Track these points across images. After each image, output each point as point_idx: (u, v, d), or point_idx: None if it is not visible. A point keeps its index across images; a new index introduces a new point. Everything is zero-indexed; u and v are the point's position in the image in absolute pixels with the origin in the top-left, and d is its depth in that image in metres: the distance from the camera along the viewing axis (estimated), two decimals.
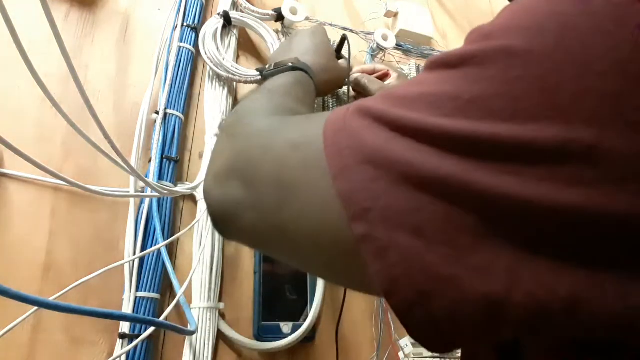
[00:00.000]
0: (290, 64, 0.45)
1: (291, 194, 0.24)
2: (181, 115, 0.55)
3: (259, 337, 0.50)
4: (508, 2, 0.42)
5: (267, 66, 0.48)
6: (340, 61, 0.57)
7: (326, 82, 0.51)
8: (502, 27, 0.19)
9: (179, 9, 0.60)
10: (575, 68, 0.16)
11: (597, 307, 0.16)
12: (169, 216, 0.50)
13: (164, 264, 0.47)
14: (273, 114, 0.32)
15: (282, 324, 0.51)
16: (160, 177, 0.50)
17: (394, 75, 0.60)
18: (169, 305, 0.43)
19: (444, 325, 0.18)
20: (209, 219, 0.50)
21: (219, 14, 0.60)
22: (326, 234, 0.22)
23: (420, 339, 0.20)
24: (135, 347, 0.42)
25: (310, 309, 0.52)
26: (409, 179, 0.19)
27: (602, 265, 0.16)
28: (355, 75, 0.60)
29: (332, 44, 0.58)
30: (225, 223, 0.30)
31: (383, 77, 0.61)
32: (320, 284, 0.54)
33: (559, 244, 0.16)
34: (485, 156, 0.17)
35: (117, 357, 0.41)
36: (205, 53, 0.57)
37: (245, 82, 0.58)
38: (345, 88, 0.66)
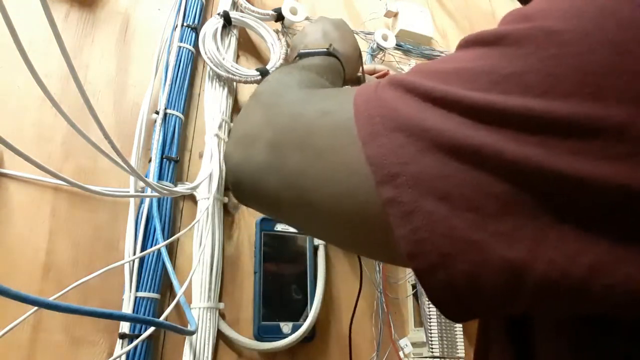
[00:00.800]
0: (326, 49, 0.46)
1: (317, 158, 0.25)
2: (181, 115, 0.55)
3: (259, 337, 0.50)
4: (510, 2, 0.42)
5: (299, 48, 0.48)
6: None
7: (353, 70, 0.52)
8: (540, 9, 0.20)
9: (179, 9, 0.60)
10: (612, 49, 0.17)
11: (616, 280, 0.16)
12: (169, 216, 0.50)
13: (164, 264, 0.47)
14: (306, 87, 0.33)
15: (282, 324, 0.51)
16: (160, 177, 0.50)
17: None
18: (169, 305, 0.43)
19: (464, 289, 0.19)
20: (209, 219, 0.51)
21: (219, 14, 0.60)
22: (351, 198, 0.23)
23: (440, 304, 0.20)
24: (135, 347, 0.42)
25: (310, 309, 0.52)
26: (440, 146, 0.20)
27: (625, 240, 0.16)
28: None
29: None
30: (245, 187, 0.31)
31: (383, 77, 0.61)
32: (320, 284, 0.54)
33: (585, 215, 0.17)
34: (518, 128, 0.18)
35: (117, 357, 0.41)
36: (205, 53, 0.57)
37: (245, 82, 0.58)
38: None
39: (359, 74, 0.58)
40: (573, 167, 0.17)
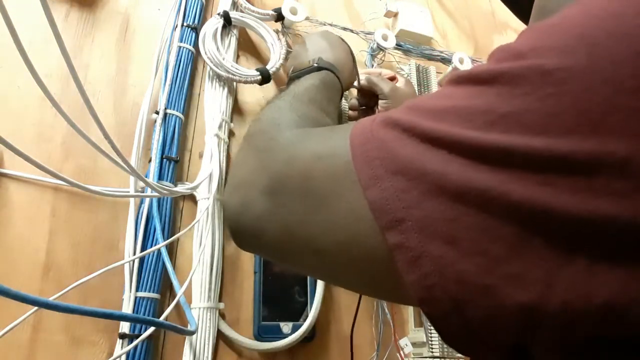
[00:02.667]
0: (316, 65, 0.45)
1: (319, 204, 0.25)
2: (181, 115, 0.55)
3: (259, 337, 0.50)
4: (504, 6, 0.42)
5: (290, 71, 0.49)
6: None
7: (350, 75, 0.51)
8: (533, 47, 0.20)
9: (179, 9, 0.60)
10: (607, 86, 0.17)
11: (633, 311, 0.16)
12: (169, 216, 0.50)
13: (164, 264, 0.47)
14: (297, 126, 0.32)
15: (282, 324, 0.51)
16: (160, 177, 0.50)
17: (401, 80, 0.60)
18: (169, 305, 0.43)
19: (479, 332, 0.19)
20: (209, 219, 0.51)
21: (219, 14, 0.60)
22: (357, 243, 0.22)
23: (455, 346, 0.20)
24: (135, 347, 0.42)
25: (310, 309, 0.52)
26: (443, 189, 0.19)
27: (637, 271, 0.16)
28: (364, 75, 0.60)
29: None
30: (246, 236, 0.30)
31: (391, 80, 0.61)
32: (320, 283, 0.54)
33: (594, 251, 0.17)
34: (521, 168, 0.18)
35: (117, 357, 0.41)
36: (205, 53, 0.57)
37: (245, 82, 0.58)
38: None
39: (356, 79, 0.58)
40: (578, 205, 0.17)
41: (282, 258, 0.30)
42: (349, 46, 0.54)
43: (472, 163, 0.19)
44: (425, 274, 0.19)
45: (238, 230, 0.31)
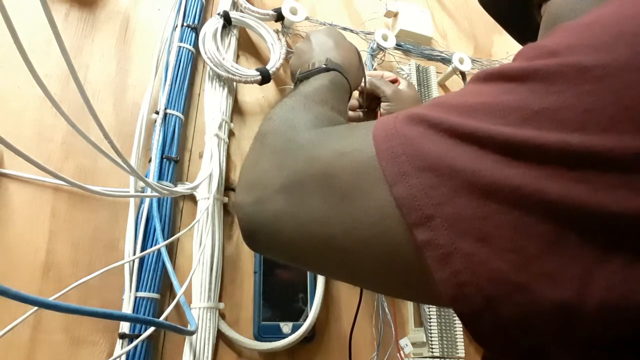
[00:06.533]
0: (324, 65, 0.45)
1: (340, 202, 0.24)
2: (181, 115, 0.55)
3: (259, 337, 0.50)
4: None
5: (297, 71, 0.48)
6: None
7: (357, 76, 0.51)
8: (568, 45, 0.20)
9: (179, 9, 0.60)
10: None
11: None
12: (169, 216, 0.50)
13: (164, 264, 0.47)
14: (314, 126, 0.32)
15: (282, 324, 0.51)
16: (160, 177, 0.50)
17: (403, 82, 0.60)
18: (169, 305, 0.43)
19: (512, 331, 0.18)
20: (209, 219, 0.51)
21: (219, 14, 0.60)
22: (382, 241, 0.22)
23: (487, 346, 0.20)
24: (135, 347, 0.42)
25: (310, 309, 0.52)
26: (474, 186, 0.19)
27: None
28: (367, 77, 0.59)
29: None
30: (260, 235, 0.30)
31: (393, 82, 0.61)
32: (320, 284, 0.54)
33: (633, 249, 0.16)
34: (556, 164, 0.18)
35: (117, 357, 0.41)
36: (205, 53, 0.57)
37: (245, 82, 0.58)
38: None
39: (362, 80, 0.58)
40: (616, 202, 0.16)
41: (297, 258, 0.30)
42: (354, 45, 0.53)
43: (505, 159, 0.19)
44: (456, 271, 0.19)
45: (252, 230, 0.30)
